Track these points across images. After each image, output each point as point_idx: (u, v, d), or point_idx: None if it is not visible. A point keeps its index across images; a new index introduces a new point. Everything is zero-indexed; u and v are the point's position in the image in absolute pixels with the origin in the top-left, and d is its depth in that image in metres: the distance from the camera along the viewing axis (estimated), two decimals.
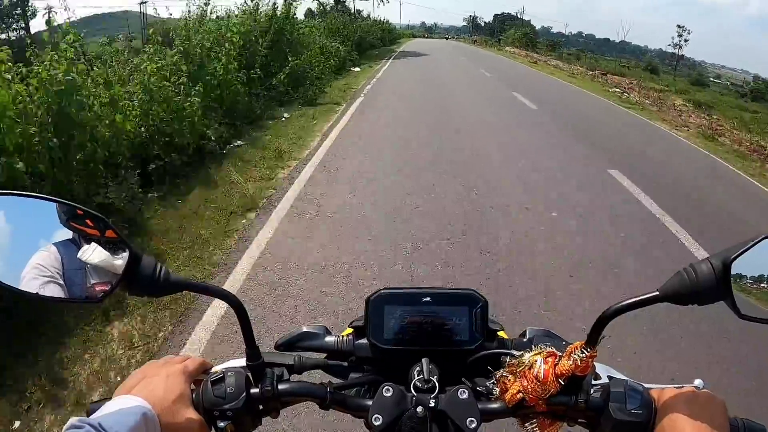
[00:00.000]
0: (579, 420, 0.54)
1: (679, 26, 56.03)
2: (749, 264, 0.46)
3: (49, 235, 0.50)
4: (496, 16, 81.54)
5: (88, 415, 0.45)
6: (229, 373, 0.54)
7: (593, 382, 0.53)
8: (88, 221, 0.52)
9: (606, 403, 0.51)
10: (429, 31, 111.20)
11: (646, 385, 0.52)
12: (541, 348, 0.54)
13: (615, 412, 0.50)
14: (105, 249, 0.51)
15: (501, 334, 0.63)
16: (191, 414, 0.51)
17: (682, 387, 0.51)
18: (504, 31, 66.18)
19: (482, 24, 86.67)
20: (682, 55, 54.37)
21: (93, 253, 0.51)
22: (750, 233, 0.48)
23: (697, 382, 0.51)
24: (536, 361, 0.52)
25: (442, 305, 0.59)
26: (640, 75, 31.89)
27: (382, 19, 35.69)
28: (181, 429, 0.50)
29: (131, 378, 0.53)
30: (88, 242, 0.51)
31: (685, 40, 55.03)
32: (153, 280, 0.52)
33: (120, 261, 0.51)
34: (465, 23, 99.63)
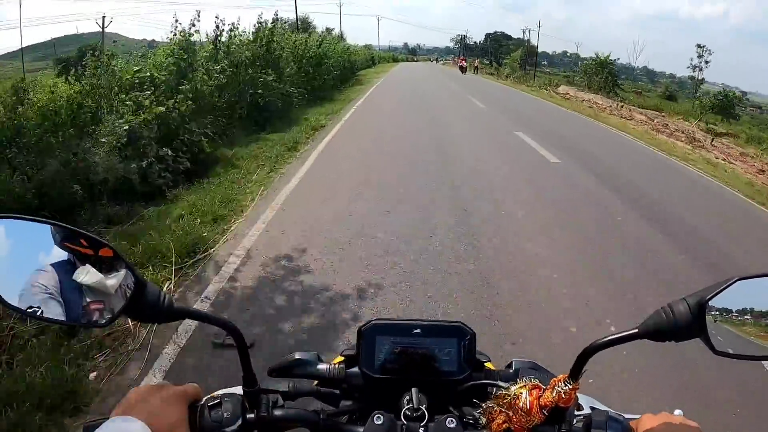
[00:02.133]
0: None
1: (699, 46, 41.18)
2: (723, 304, 0.49)
3: (47, 256, 0.51)
4: (488, 35, 79.39)
5: None
6: (225, 399, 0.55)
7: (576, 412, 0.55)
8: (82, 240, 0.52)
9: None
10: (413, 53, 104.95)
11: (627, 416, 0.54)
12: (526, 380, 0.55)
13: None
14: (99, 269, 0.52)
15: (488, 365, 0.64)
16: None
17: (660, 413, 0.53)
18: (502, 52, 62.86)
19: (471, 44, 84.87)
20: (703, 79, 40.65)
21: (87, 275, 0.52)
22: None
23: (677, 412, 0.53)
24: (522, 393, 0.54)
25: (432, 336, 0.60)
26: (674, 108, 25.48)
27: (309, 32, 17.34)
28: None
29: (127, 399, 0.53)
30: (83, 263, 0.52)
31: (706, 62, 40.41)
32: (157, 307, 0.52)
33: (113, 281, 0.51)
34: (453, 43, 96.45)
